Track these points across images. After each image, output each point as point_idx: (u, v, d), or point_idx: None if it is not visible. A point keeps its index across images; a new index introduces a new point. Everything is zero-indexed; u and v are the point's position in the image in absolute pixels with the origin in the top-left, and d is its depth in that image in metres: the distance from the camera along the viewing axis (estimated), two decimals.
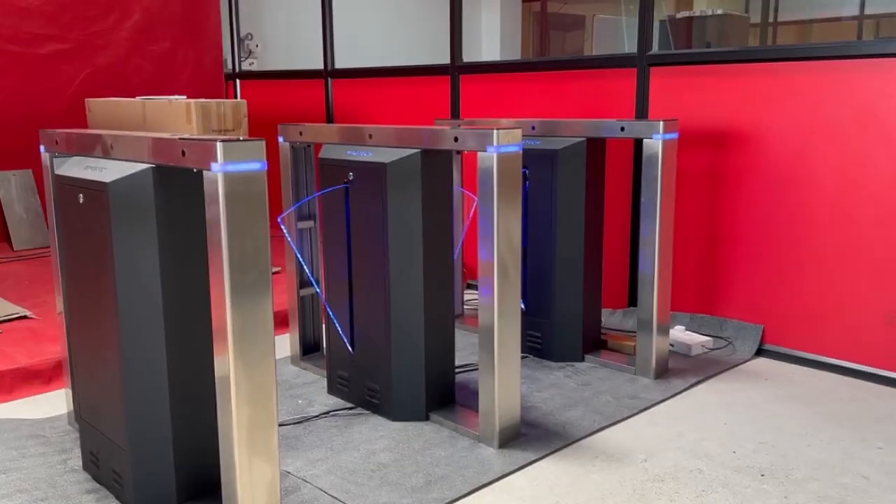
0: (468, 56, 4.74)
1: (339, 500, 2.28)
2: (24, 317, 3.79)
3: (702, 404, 3.00)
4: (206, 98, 5.64)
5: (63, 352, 2.72)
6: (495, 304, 2.54)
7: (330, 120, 5.56)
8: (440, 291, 2.82)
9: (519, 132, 2.51)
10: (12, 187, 5.53)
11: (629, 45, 7.35)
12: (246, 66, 6.69)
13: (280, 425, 2.69)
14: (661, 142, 3.07)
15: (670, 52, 3.83)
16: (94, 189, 2.12)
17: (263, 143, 1.89)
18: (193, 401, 2.21)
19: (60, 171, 2.34)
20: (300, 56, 6.35)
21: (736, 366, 3.39)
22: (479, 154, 2.49)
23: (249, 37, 6.81)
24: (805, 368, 3.36)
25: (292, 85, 5.91)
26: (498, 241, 2.50)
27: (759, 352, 3.52)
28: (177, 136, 1.97)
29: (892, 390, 3.12)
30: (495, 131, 2.44)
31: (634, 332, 3.53)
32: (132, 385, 2.13)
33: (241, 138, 1.86)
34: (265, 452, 1.98)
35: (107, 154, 2.24)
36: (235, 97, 6.47)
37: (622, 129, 3.19)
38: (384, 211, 2.72)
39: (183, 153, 1.93)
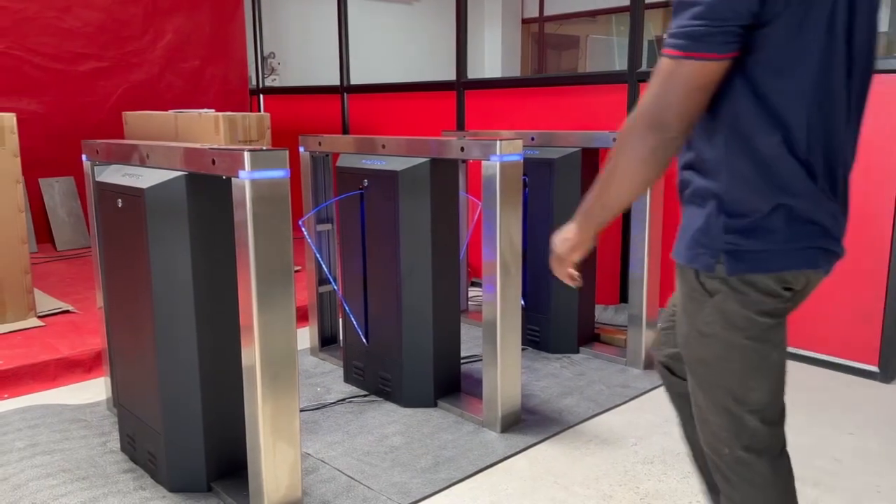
0: (472, 73, 4.74)
1: (355, 480, 2.28)
2: (67, 311, 3.80)
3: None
4: (233, 111, 5.68)
5: (103, 343, 2.73)
6: (498, 300, 2.54)
7: (346, 131, 5.57)
8: (447, 288, 2.82)
9: (520, 143, 2.51)
10: (55, 193, 5.55)
11: (620, 63, 7.34)
12: (268, 83, 6.70)
13: (301, 411, 2.69)
14: None
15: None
16: (132, 195, 2.12)
17: (286, 152, 1.90)
18: (222, 388, 2.21)
19: (101, 178, 2.35)
20: (318, 73, 6.37)
21: None
22: (483, 163, 2.50)
23: (272, 55, 6.83)
24: None
25: (311, 99, 5.91)
26: (500, 242, 2.51)
27: None
28: (207, 147, 1.97)
29: (862, 380, 3.11)
30: (498, 142, 2.44)
31: (625, 327, 3.54)
32: (166, 374, 2.14)
33: (265, 148, 1.87)
34: (288, 436, 1.99)
35: (143, 163, 2.25)
36: (259, 111, 6.49)
37: (614, 140, 3.18)
38: (396, 215, 2.72)
39: (213, 162, 1.93)
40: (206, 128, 4.37)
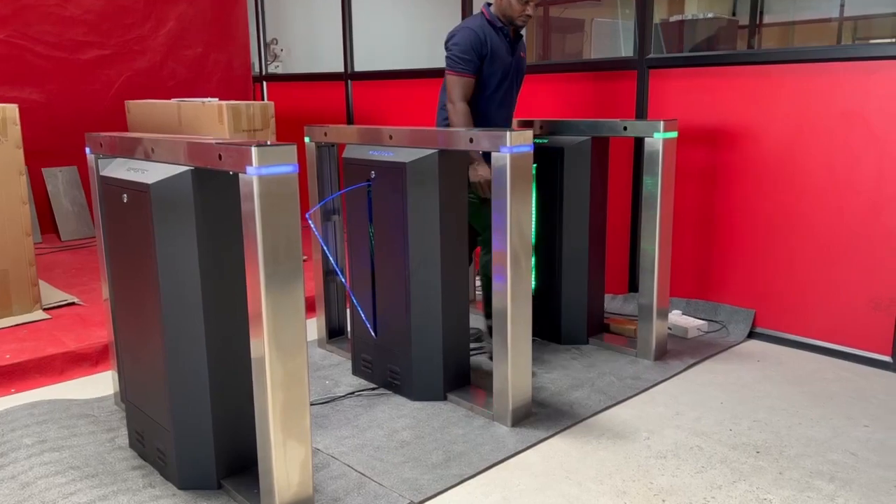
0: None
1: (366, 476, 2.26)
2: (73, 303, 3.78)
3: (698, 384, 2.96)
4: (236, 99, 5.63)
5: (109, 336, 2.71)
6: (508, 292, 2.50)
7: (350, 119, 5.52)
8: (456, 280, 2.79)
9: (530, 133, 2.46)
10: (59, 182, 5.52)
11: (626, 47, 7.24)
12: (271, 69, 6.64)
13: (310, 405, 2.67)
14: (661, 140, 3.02)
15: (668, 55, 3.76)
16: (138, 189, 2.09)
17: (294, 147, 1.85)
18: (231, 384, 2.19)
19: (105, 173, 2.31)
20: (321, 60, 6.30)
21: (729, 348, 3.35)
22: (493, 154, 2.45)
23: (275, 42, 6.76)
24: (794, 350, 3.32)
25: (315, 87, 5.86)
26: (511, 233, 2.47)
27: (751, 334, 3.48)
28: (214, 141, 1.94)
29: (875, 370, 3.08)
30: (508, 133, 2.40)
31: (635, 317, 3.51)
32: (175, 371, 2.12)
33: (272, 143, 1.83)
34: (298, 432, 1.96)
35: (147, 157, 2.22)
36: (263, 98, 6.43)
37: (625, 128, 3.14)
38: (404, 206, 2.69)
39: (220, 157, 1.89)
40: (209, 117, 4.32)
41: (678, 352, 3.27)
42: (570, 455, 2.41)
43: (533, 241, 3.39)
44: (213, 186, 2.08)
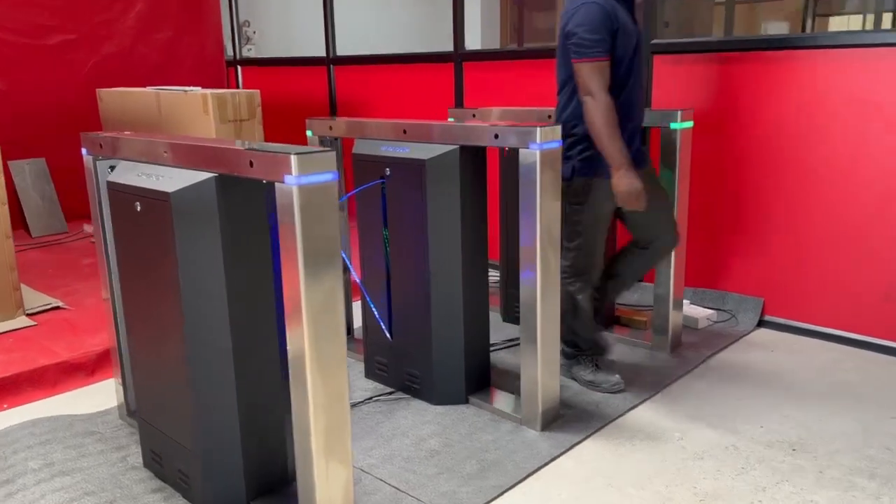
0: (450, 42, 4.50)
1: (401, 491, 2.17)
2: (58, 307, 3.59)
3: (718, 378, 2.93)
4: (211, 85, 5.40)
5: (111, 342, 2.55)
6: (538, 288, 2.41)
7: (333, 106, 5.34)
8: (477, 279, 2.70)
9: (559, 129, 2.37)
10: (27, 176, 5.25)
11: None
12: (244, 53, 6.40)
13: None
14: (679, 131, 2.96)
15: (674, 41, 3.69)
16: (155, 198, 1.94)
17: (334, 154, 1.73)
18: (259, 400, 2.08)
19: (112, 178, 2.15)
20: (299, 43, 6.09)
21: (741, 338, 3.33)
22: (521, 150, 2.35)
23: (247, 23, 6.51)
24: (804, 338, 3.31)
25: (294, 72, 5.65)
26: (540, 231, 2.37)
27: (760, 323, 3.47)
28: (243, 147, 1.80)
29: (889, 359, 3.08)
30: (538, 129, 2.30)
31: (642, 307, 3.48)
32: (199, 388, 1.99)
33: (312, 149, 1.70)
34: (341, 453, 1.86)
35: (159, 160, 2.06)
36: (237, 84, 6.20)
37: None
38: (423, 205, 2.57)
39: (251, 163, 1.76)
40: (193, 107, 4.12)
41: (692, 344, 3.24)
42: (606, 459, 2.35)
43: None
44: (238, 194, 1.94)
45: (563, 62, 2.67)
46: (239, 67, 6.14)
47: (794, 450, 2.38)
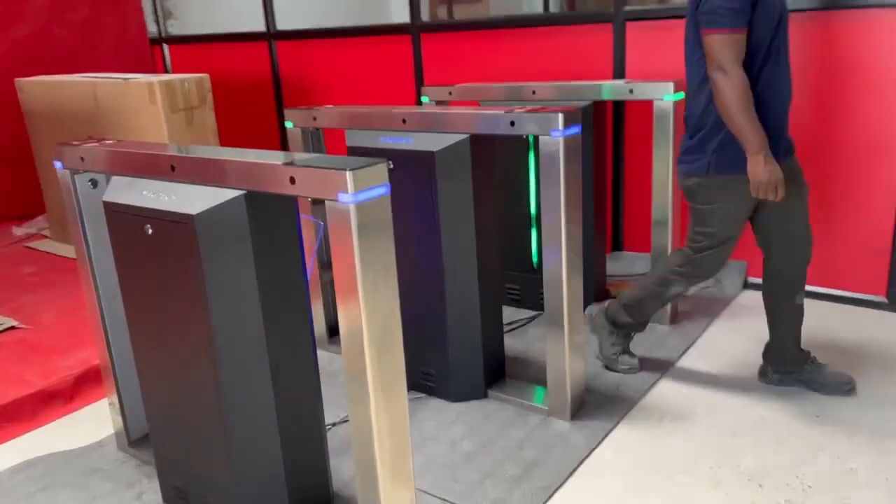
0: (378, 15, 4.29)
1: (449, 501, 2.10)
2: (12, 327, 3.29)
3: (722, 347, 2.96)
4: (136, 69, 5.01)
5: (103, 362, 2.34)
6: (563, 270, 2.33)
7: (277, 86, 5.04)
8: (492, 271, 2.61)
9: (579, 113, 2.28)
10: None
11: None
12: (169, 30, 5.96)
13: (342, 422, 2.47)
14: (672, 103, 2.92)
15: (647, 7, 3.64)
16: (174, 220, 1.75)
17: (385, 166, 1.60)
18: (300, 424, 1.95)
19: (110, 198, 1.93)
20: (228, 16, 5.70)
21: (730, 302, 3.38)
22: (542, 138, 2.26)
23: None
24: None
25: (229, 48, 5.29)
26: (564, 216, 2.28)
27: (745, 286, 3.53)
28: (281, 162, 1.63)
29: (880, 313, 3.19)
30: (560, 115, 2.20)
31: (628, 277, 3.48)
32: (235, 416, 1.84)
33: (366, 163, 1.55)
34: (404, 478, 1.79)
35: (163, 175, 1.86)
36: (164, 64, 5.79)
37: (630, 91, 3.02)
38: (433, 200, 2.45)
39: (292, 180, 1.60)
40: (136, 97, 3.81)
41: (686, 313, 3.26)
42: (644, 446, 2.34)
43: (533, 213, 3.26)
44: (268, 209, 1.78)
45: (695, 58, 2.29)
46: (166, 46, 5.72)
47: (817, 416, 2.43)
